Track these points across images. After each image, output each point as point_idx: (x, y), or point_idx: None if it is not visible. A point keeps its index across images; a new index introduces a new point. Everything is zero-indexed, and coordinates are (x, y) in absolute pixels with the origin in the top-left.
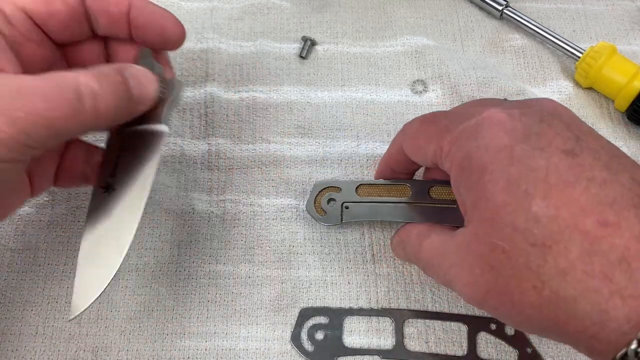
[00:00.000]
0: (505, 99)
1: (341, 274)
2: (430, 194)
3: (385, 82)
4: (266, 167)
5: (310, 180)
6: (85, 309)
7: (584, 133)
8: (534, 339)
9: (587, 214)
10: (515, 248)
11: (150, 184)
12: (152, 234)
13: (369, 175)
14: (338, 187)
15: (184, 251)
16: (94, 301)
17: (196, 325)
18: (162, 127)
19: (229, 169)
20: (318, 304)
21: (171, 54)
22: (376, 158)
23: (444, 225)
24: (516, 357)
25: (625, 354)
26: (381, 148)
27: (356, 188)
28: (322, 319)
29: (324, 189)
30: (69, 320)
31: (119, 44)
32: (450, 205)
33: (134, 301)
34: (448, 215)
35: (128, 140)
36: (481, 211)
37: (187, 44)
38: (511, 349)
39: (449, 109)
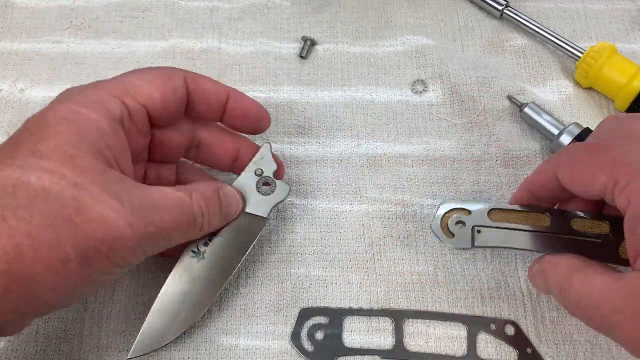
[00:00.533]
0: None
1: (341, 274)
2: (572, 225)
3: (385, 82)
4: None
5: (311, 180)
6: (144, 355)
7: None
8: (533, 339)
9: None
10: None
11: (239, 263)
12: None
13: (371, 175)
14: (467, 210)
15: None
16: (155, 350)
17: (196, 325)
18: (263, 221)
19: None
20: (318, 303)
21: (171, 55)
22: (376, 158)
23: (598, 262)
24: (516, 357)
25: None
26: (381, 148)
27: (488, 212)
28: (322, 319)
29: (451, 210)
30: (127, 359)
31: (205, 125)
32: (595, 240)
33: (134, 301)
34: (595, 250)
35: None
36: None
37: (187, 43)
38: (511, 349)
39: (449, 109)
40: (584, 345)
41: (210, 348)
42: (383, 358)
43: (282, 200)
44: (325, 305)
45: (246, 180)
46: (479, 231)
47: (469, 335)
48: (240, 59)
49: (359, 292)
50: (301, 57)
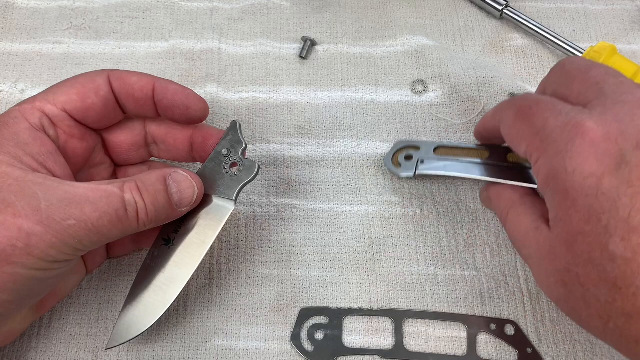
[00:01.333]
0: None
1: (341, 274)
2: (508, 158)
3: (385, 82)
4: (266, 167)
5: (311, 180)
6: (121, 344)
7: None
8: (533, 339)
9: None
10: (588, 278)
11: (207, 249)
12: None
13: (370, 175)
14: (417, 146)
15: None
16: (132, 340)
17: (196, 326)
18: (230, 204)
19: None
20: (318, 304)
21: (171, 56)
22: (376, 158)
23: (531, 199)
24: (516, 357)
25: None
26: (381, 148)
27: (435, 149)
28: (321, 319)
29: (403, 147)
30: (106, 350)
31: (153, 121)
32: (525, 166)
33: None
34: (520, 175)
35: (198, 204)
36: (561, 231)
37: (187, 44)
38: (511, 349)
39: (449, 109)
40: (584, 345)
41: (210, 348)
42: (383, 358)
43: (251, 180)
44: (325, 305)
45: (213, 162)
46: (422, 162)
47: (469, 335)
48: (240, 60)
49: (359, 292)
50: (301, 57)
